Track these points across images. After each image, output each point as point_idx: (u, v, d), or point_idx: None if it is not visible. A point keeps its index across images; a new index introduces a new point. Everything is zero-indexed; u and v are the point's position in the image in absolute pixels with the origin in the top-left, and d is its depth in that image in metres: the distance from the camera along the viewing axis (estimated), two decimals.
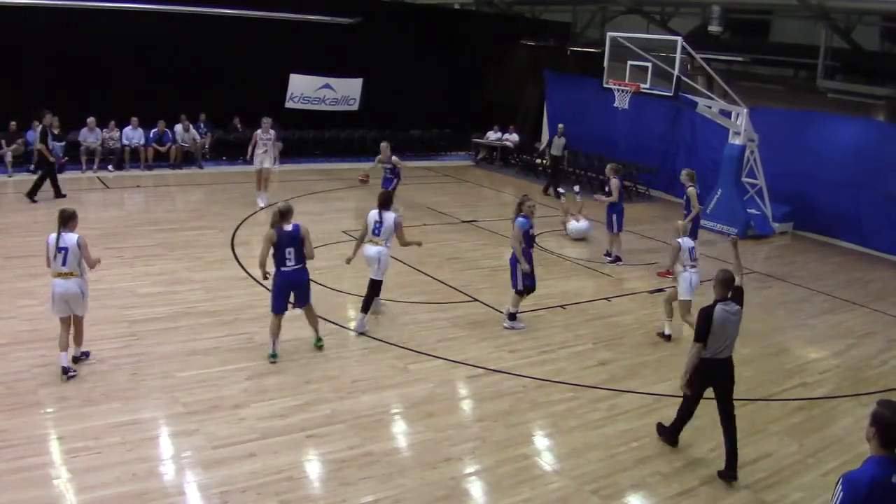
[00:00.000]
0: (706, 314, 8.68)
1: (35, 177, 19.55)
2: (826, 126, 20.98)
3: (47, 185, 19.09)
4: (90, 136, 21.93)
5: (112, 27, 22.21)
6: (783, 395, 11.22)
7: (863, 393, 11.33)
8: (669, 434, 9.51)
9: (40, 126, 19.67)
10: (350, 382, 10.42)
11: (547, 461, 8.97)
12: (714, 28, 22.50)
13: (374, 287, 12.39)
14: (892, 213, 19.37)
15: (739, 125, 20.43)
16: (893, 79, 20.42)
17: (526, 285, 12.72)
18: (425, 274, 15.22)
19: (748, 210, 20.88)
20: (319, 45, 25.73)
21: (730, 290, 8.88)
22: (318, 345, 11.41)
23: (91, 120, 21.66)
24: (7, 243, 15.27)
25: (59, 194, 19.33)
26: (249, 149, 20.13)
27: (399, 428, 9.55)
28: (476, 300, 14.08)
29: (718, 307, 8.74)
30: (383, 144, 19.32)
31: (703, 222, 21.22)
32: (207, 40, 23.44)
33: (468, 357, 11.57)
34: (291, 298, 11.07)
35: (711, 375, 8.98)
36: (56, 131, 21.64)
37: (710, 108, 20.28)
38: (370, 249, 12.19)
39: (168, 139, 23.81)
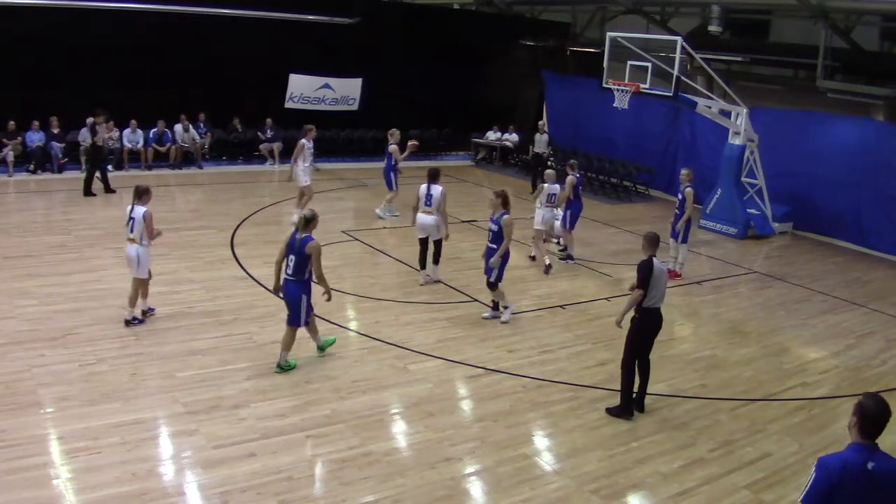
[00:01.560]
0: (647, 264, 9.72)
1: (84, 174, 20.17)
2: (826, 126, 20.99)
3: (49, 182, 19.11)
4: (90, 137, 21.89)
5: (111, 27, 22.20)
6: (783, 395, 11.22)
7: (862, 393, 11.36)
8: (625, 408, 10.03)
9: (91, 122, 20.43)
10: (350, 382, 10.43)
11: (547, 461, 8.97)
12: (714, 28, 22.48)
13: (439, 245, 14.71)
14: (892, 213, 19.37)
15: (739, 125, 20.42)
16: (893, 79, 20.41)
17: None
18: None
19: (748, 210, 20.89)
20: (319, 45, 25.72)
21: (657, 247, 10.07)
22: (281, 368, 10.75)
23: (90, 120, 21.61)
24: (6, 243, 15.26)
25: (108, 189, 20.07)
26: (297, 165, 18.41)
27: (399, 428, 9.55)
28: (476, 300, 14.07)
29: (654, 259, 9.83)
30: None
31: (702, 222, 21.31)
32: (207, 40, 23.43)
33: (468, 357, 11.57)
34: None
35: (656, 324, 10.06)
36: (56, 130, 21.72)
37: (709, 108, 20.28)
38: (426, 218, 14.26)
39: (168, 139, 23.79)
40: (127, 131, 22.90)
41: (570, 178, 16.93)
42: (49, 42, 21.44)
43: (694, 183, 16.24)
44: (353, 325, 12.48)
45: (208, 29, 23.40)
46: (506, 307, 13.28)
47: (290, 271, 10.50)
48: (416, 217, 14.55)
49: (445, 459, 8.73)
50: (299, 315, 10.62)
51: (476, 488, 8.34)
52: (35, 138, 21.63)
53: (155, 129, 23.50)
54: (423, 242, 14.70)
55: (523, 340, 12.43)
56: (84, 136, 21.74)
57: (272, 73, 24.82)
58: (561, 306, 14.19)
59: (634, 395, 10.13)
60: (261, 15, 23.96)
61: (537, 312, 13.81)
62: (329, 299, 10.89)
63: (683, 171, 16.51)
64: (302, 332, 10.83)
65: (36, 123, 21.67)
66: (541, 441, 9.53)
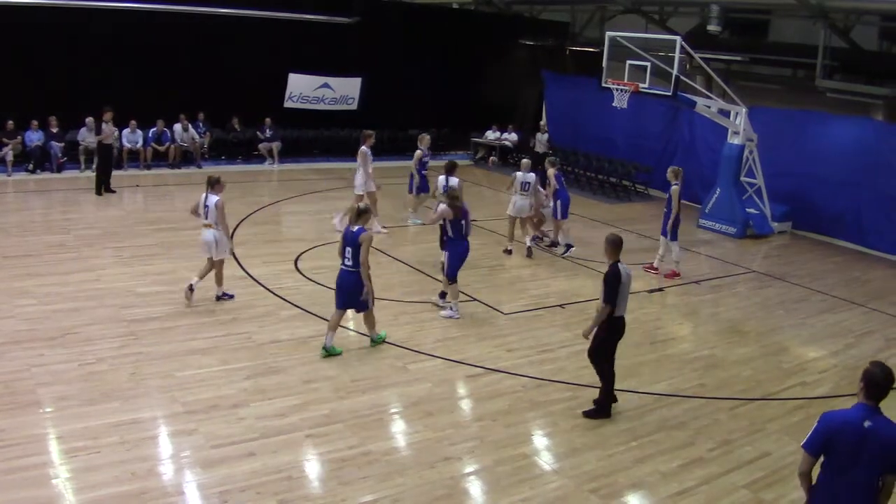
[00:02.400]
0: (615, 273, 9.53)
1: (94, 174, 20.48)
2: (825, 125, 20.98)
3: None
4: (89, 136, 21.87)
5: (110, 26, 22.19)
6: (782, 395, 11.22)
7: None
8: (604, 408, 9.97)
9: (91, 120, 20.84)
10: (349, 382, 10.43)
11: (546, 460, 8.98)
12: (713, 27, 22.49)
13: None
14: (891, 213, 19.36)
15: (738, 125, 20.42)
16: (892, 78, 20.42)
17: None
18: (424, 273, 15.23)
19: (747, 209, 20.88)
20: (318, 45, 25.69)
21: (620, 251, 9.87)
22: (327, 353, 11.18)
23: (90, 120, 21.60)
24: (5, 242, 15.26)
25: (107, 188, 20.22)
26: (367, 172, 17.88)
27: (398, 427, 9.55)
28: (475, 300, 14.08)
29: (621, 266, 9.66)
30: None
31: (701, 221, 21.32)
32: (206, 39, 23.42)
33: (467, 356, 11.58)
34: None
35: (621, 332, 9.93)
36: (55, 130, 21.73)
37: (708, 107, 20.28)
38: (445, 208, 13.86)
39: (167, 139, 23.78)
40: (126, 131, 22.86)
41: (550, 171, 17.22)
42: (48, 41, 21.43)
43: (681, 181, 16.25)
44: (352, 324, 12.47)
45: (207, 28, 23.39)
46: (451, 307, 13.32)
47: (349, 262, 11.06)
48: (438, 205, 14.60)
49: (444, 459, 8.73)
50: (361, 301, 11.18)
51: (475, 487, 8.34)
52: (34, 138, 21.63)
53: (154, 129, 23.49)
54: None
55: (522, 340, 12.44)
56: (84, 136, 21.74)
57: (271, 72, 24.84)
58: (560, 306, 14.19)
59: (600, 398, 10.08)
60: (260, 14, 23.96)
61: (536, 312, 13.81)
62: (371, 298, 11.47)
63: (670, 170, 16.52)
64: (301, 332, 10.82)
65: (35, 123, 21.65)
66: (540, 440, 9.53)
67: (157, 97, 22.79)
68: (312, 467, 8.44)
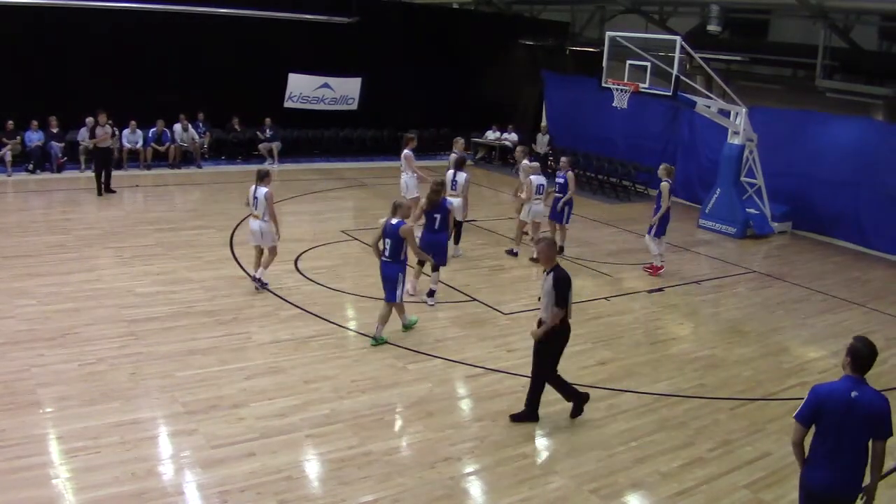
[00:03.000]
0: (566, 277, 9.36)
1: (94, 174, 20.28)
2: (825, 125, 20.96)
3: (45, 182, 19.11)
4: (89, 136, 21.86)
5: (110, 26, 22.20)
6: (782, 395, 11.22)
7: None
8: (534, 412, 9.80)
9: (92, 122, 20.60)
10: (349, 382, 10.43)
11: (546, 461, 8.98)
12: (713, 27, 22.47)
13: (460, 226, 16.43)
14: (891, 213, 19.35)
15: (738, 125, 20.42)
16: (892, 78, 20.41)
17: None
18: (424, 274, 15.21)
19: (747, 209, 20.87)
20: (318, 45, 25.71)
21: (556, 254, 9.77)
22: (376, 342, 11.72)
23: (90, 120, 21.59)
24: (5, 243, 15.26)
25: (108, 189, 20.11)
26: (416, 174, 17.83)
27: (398, 427, 9.55)
28: (475, 300, 14.08)
29: (564, 271, 9.47)
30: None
31: (701, 222, 21.32)
32: (206, 39, 23.43)
33: (467, 357, 11.58)
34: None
35: (567, 336, 9.84)
36: (55, 130, 21.73)
37: (708, 107, 20.27)
38: (453, 202, 14.56)
39: (167, 139, 23.78)
40: (126, 131, 22.87)
41: (571, 174, 17.04)
42: (48, 42, 21.46)
43: (673, 179, 16.33)
44: (352, 324, 12.48)
45: (207, 28, 23.38)
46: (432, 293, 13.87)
47: (387, 253, 11.54)
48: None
49: (445, 459, 8.73)
50: (395, 292, 11.63)
51: (475, 488, 8.34)
52: (34, 138, 21.63)
53: (154, 129, 23.51)
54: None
55: (522, 340, 12.40)
56: (83, 136, 21.74)
57: (271, 72, 24.83)
58: None
59: (536, 402, 9.84)
60: (260, 14, 23.94)
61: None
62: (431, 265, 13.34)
63: (662, 167, 16.58)
64: (301, 332, 10.82)
65: (35, 123, 21.67)
66: (540, 440, 9.52)
67: (157, 97, 22.81)
68: (312, 467, 8.44)
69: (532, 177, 16.67)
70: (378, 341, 11.68)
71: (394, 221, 11.40)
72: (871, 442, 6.30)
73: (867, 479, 6.48)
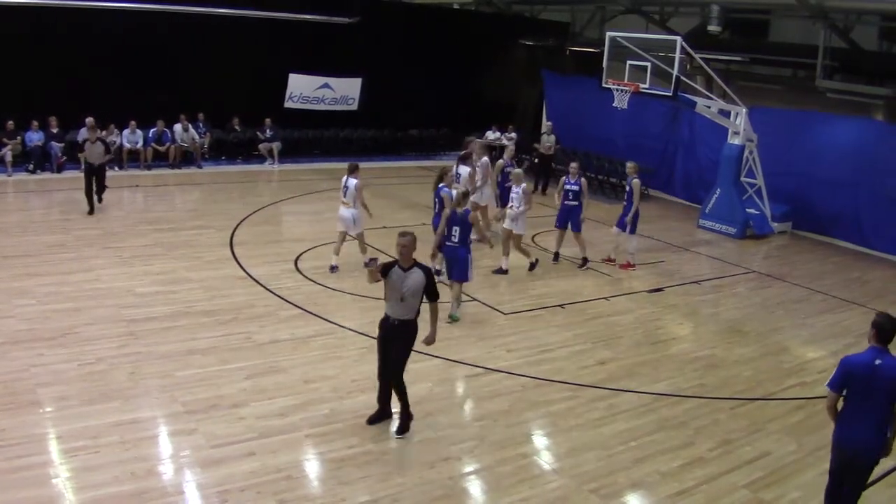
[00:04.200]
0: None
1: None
2: (825, 126, 20.97)
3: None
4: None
5: (110, 26, 22.18)
6: (782, 395, 11.22)
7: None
8: (382, 412, 9.41)
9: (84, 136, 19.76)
10: (349, 382, 10.42)
11: (546, 460, 8.98)
12: (713, 28, 22.47)
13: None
14: (891, 213, 19.35)
15: (738, 125, 20.42)
16: (892, 78, 20.40)
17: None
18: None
19: (747, 210, 20.87)
20: (318, 45, 25.71)
21: None
22: (452, 319, 12.87)
23: (90, 120, 21.50)
24: (5, 242, 15.25)
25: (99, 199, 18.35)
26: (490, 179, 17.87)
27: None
28: (475, 300, 14.06)
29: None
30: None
31: (701, 222, 21.33)
32: (207, 39, 23.42)
33: (467, 356, 11.57)
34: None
35: None
36: (55, 130, 21.72)
37: (709, 107, 20.27)
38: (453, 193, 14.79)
39: (167, 139, 23.76)
40: (126, 131, 22.86)
41: (584, 181, 16.70)
42: (48, 41, 21.42)
43: (640, 175, 16.50)
44: (352, 324, 12.47)
45: (207, 28, 23.38)
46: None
47: (455, 239, 12.88)
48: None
49: (444, 459, 8.73)
50: (467, 271, 12.95)
51: (475, 487, 8.34)
52: (34, 138, 21.61)
53: (154, 129, 23.47)
54: None
55: (522, 340, 12.43)
56: (83, 136, 21.72)
57: (271, 72, 24.85)
58: (560, 305, 14.19)
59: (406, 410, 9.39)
60: (260, 14, 23.95)
61: (536, 312, 13.81)
62: (492, 246, 14.82)
63: (629, 164, 16.60)
64: (301, 332, 10.80)
65: (35, 123, 21.63)
66: (540, 440, 9.53)
67: (158, 97, 22.78)
68: (312, 467, 8.44)
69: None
70: (455, 318, 12.90)
71: (460, 210, 12.96)
72: (893, 405, 7.13)
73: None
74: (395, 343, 9.08)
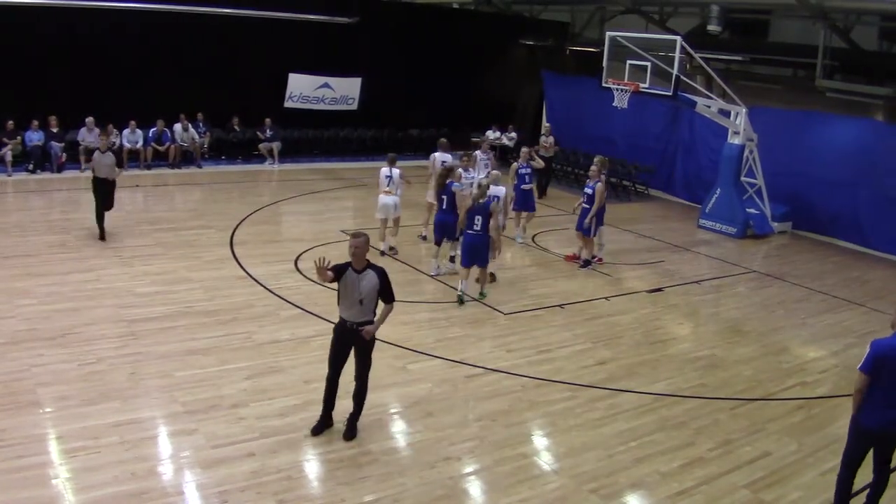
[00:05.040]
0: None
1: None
2: (825, 126, 20.98)
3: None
4: (89, 136, 21.85)
5: (111, 26, 22.19)
6: (782, 395, 11.22)
7: None
8: (328, 420, 9.22)
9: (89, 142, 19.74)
10: (349, 382, 10.38)
11: (546, 460, 8.98)
12: (713, 27, 22.45)
13: None
14: (891, 213, 19.36)
15: (738, 125, 20.43)
16: (892, 78, 20.40)
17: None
18: (424, 273, 15.22)
19: (747, 209, 20.88)
20: (318, 45, 25.73)
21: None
22: (481, 297, 14.20)
23: (90, 119, 21.60)
24: (5, 242, 15.25)
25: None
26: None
27: (398, 427, 9.55)
28: (475, 300, 14.07)
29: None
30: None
31: (701, 221, 21.34)
32: (206, 39, 23.42)
33: (467, 356, 11.57)
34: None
35: None
36: (55, 130, 21.71)
37: (709, 107, 20.28)
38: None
39: (167, 139, 23.74)
40: (126, 131, 22.84)
41: (600, 185, 16.31)
42: (48, 41, 21.40)
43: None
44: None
45: (207, 28, 23.38)
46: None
47: (478, 227, 13.69)
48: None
49: (444, 459, 8.73)
50: (487, 257, 14.09)
51: (475, 488, 8.34)
52: (34, 137, 21.59)
53: (154, 129, 23.45)
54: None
55: (522, 340, 12.44)
56: (84, 136, 21.73)
57: (271, 72, 24.87)
58: (560, 306, 14.19)
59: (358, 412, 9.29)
60: (260, 14, 23.94)
61: (536, 312, 13.81)
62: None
63: (593, 167, 16.52)
64: (301, 332, 10.78)
65: (35, 123, 21.61)
66: (539, 440, 9.53)
67: (157, 97, 22.76)
68: (312, 467, 8.44)
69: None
70: (484, 295, 14.25)
71: (482, 201, 13.80)
72: None
73: None
74: (355, 348, 8.99)
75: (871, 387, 7.53)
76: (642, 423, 9.97)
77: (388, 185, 16.07)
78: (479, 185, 15.00)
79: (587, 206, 16.28)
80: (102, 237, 15.85)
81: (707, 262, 18.27)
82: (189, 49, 23.21)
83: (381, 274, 8.82)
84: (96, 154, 15.87)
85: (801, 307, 15.42)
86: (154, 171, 23.15)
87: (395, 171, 16.06)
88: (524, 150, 18.79)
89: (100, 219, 15.89)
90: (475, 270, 14.32)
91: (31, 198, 19.71)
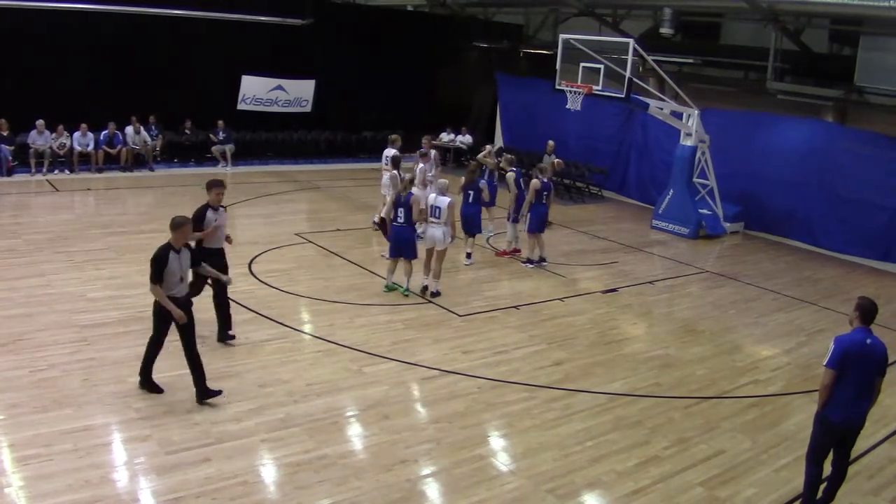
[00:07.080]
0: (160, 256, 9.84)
1: None
2: (776, 127, 21.26)
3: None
4: (39, 139, 21.58)
5: (60, 27, 21.93)
6: (735, 393, 11.34)
7: (814, 389, 11.33)
8: (149, 381, 9.88)
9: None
10: (304, 386, 10.37)
11: (503, 461, 8.99)
12: (665, 30, 22.65)
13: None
14: (841, 213, 19.64)
15: (691, 126, 20.62)
16: (842, 80, 20.67)
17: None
18: (379, 276, 15.18)
19: (700, 210, 21.07)
20: (271, 47, 25.61)
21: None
22: (405, 293, 14.29)
23: (40, 122, 21.33)
24: None
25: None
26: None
27: (354, 430, 9.51)
28: (430, 302, 14.07)
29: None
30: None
31: (654, 222, 21.50)
32: (158, 41, 23.23)
33: (422, 359, 11.56)
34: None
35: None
36: (5, 133, 21.41)
37: (661, 109, 20.42)
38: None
39: (118, 141, 23.48)
40: (77, 134, 22.56)
41: (535, 181, 16.64)
42: None
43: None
44: (307, 327, 12.42)
45: (159, 29, 23.18)
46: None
47: (401, 220, 13.93)
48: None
49: (401, 461, 8.71)
50: (414, 250, 14.20)
51: (432, 490, 8.34)
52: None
53: (105, 131, 23.16)
54: None
55: (478, 342, 12.45)
56: (34, 139, 21.45)
57: (224, 74, 24.67)
58: (515, 307, 14.22)
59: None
60: (212, 16, 23.78)
61: (491, 313, 13.83)
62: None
63: (505, 157, 18.37)
64: (255, 336, 10.72)
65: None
66: (496, 441, 9.54)
67: (109, 99, 22.52)
68: (268, 472, 8.38)
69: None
70: (406, 292, 14.30)
71: (405, 194, 13.98)
72: (877, 381, 7.89)
73: None
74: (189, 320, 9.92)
75: (837, 382, 7.77)
76: (598, 423, 10.02)
77: (436, 217, 14.35)
78: (402, 179, 15.34)
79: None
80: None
81: (661, 263, 18.42)
82: (141, 50, 23.01)
83: (191, 249, 10.24)
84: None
85: (753, 306, 15.59)
86: (106, 174, 22.88)
87: (444, 200, 14.23)
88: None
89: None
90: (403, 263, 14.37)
91: None
